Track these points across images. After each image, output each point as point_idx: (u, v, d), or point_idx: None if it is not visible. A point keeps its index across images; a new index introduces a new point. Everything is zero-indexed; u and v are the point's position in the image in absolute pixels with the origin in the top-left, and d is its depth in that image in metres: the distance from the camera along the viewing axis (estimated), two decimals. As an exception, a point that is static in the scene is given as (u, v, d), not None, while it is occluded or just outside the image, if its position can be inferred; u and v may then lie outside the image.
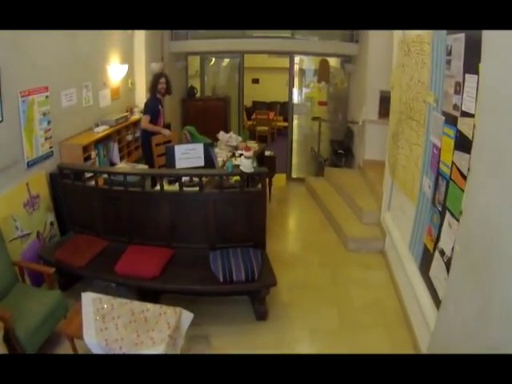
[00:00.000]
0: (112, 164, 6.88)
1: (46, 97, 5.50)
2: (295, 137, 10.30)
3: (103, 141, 6.67)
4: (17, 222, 4.78)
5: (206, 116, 10.04)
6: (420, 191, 4.35)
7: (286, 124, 11.85)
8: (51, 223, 5.52)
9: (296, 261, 6.01)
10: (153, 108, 7.17)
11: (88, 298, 3.97)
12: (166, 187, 5.12)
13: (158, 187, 5.03)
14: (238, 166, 5.19)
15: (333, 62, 9.65)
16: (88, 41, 6.52)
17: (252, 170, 4.87)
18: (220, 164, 6.25)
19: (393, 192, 5.69)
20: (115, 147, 6.92)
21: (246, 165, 4.84)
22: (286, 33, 9.00)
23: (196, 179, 5.07)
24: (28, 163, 5.15)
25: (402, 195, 5.08)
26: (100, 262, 4.85)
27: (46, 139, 5.56)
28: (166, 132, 7.29)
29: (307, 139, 10.58)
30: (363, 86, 7.99)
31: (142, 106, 8.06)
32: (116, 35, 7.41)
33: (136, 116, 7.78)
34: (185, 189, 4.99)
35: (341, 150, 8.91)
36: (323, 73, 9.53)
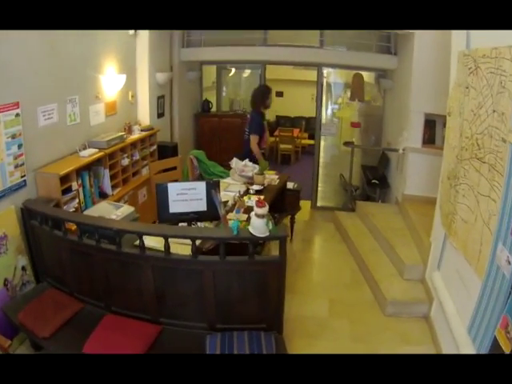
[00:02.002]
0: (103, 195, 6.03)
1: (17, 115, 4.69)
2: (322, 159, 9.25)
3: (92, 166, 5.84)
4: None
5: (221, 134, 9.27)
6: (492, 264, 3.25)
7: (311, 142, 11.35)
8: (23, 268, 4.72)
9: (320, 331, 4.96)
10: (260, 125, 6.85)
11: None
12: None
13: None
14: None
15: (365, 76, 8.66)
16: (74, 46, 5.69)
17: (266, 233, 3.76)
18: (230, 204, 5.29)
19: (446, 248, 4.64)
20: (106, 174, 6.01)
21: (258, 226, 3.74)
22: (314, 42, 8.03)
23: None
24: None
25: (460, 258, 3.99)
26: (68, 334, 3.99)
27: (16, 167, 4.74)
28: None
29: (335, 162, 9.57)
30: (404, 106, 6.99)
31: (145, 122, 7.40)
32: (112, 40, 6.61)
33: (136, 135, 6.88)
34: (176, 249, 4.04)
35: (375, 180, 7.87)
36: (357, 90, 8.54)
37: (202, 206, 4.68)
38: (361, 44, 7.81)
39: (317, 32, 7.91)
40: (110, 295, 4.25)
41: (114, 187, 6.22)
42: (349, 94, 8.97)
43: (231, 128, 9.28)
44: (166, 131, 8.08)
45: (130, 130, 6.90)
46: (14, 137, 4.65)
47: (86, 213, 5.00)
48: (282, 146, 12.79)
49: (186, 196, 4.66)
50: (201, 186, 4.71)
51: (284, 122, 14.14)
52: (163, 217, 4.73)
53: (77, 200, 5.38)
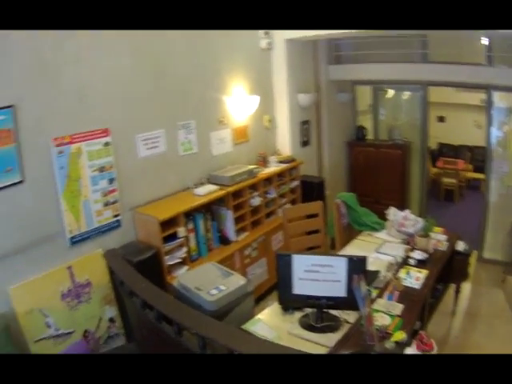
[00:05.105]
0: (225, 241, 5.05)
1: (106, 144, 4.04)
2: (492, 198, 7.44)
3: (212, 206, 4.96)
4: (48, 318, 3.71)
5: (378, 168, 7.92)
6: None
7: (477, 176, 10.41)
8: (111, 319, 4.19)
9: None
10: None
11: None
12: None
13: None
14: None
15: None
16: (186, 65, 4.89)
17: None
18: (381, 277, 3.88)
19: None
20: (229, 217, 5.00)
21: None
22: (480, 59, 6.38)
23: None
24: (72, 239, 3.89)
25: None
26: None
27: (106, 205, 4.12)
28: None
29: (503, 204, 7.59)
30: None
31: (286, 151, 6.37)
32: (240, 56, 5.70)
33: (272, 168, 5.78)
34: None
35: None
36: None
37: (339, 290, 3.31)
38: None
39: (482, 47, 6.30)
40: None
41: (239, 231, 5.20)
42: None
43: (390, 161, 7.84)
44: (311, 163, 6.94)
45: (264, 162, 5.87)
46: (102, 170, 4.02)
47: (182, 279, 3.94)
48: (445, 180, 11.11)
49: (317, 275, 3.33)
50: (339, 263, 3.31)
51: (447, 151, 12.50)
52: (285, 298, 3.50)
53: (185, 249, 4.48)
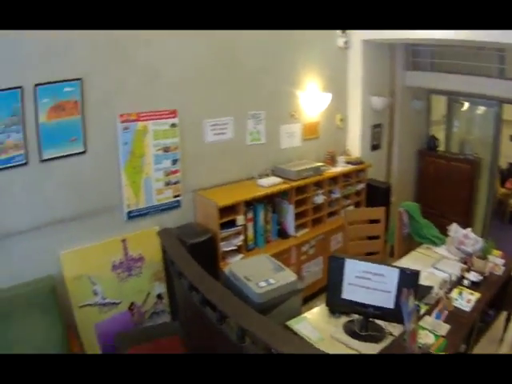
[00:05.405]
0: (283, 235, 4.87)
1: (172, 125, 4.00)
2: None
3: (275, 198, 4.82)
4: (96, 286, 3.77)
5: (447, 181, 7.48)
6: None
7: None
8: (159, 296, 4.21)
9: None
10: None
11: None
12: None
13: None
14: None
15: None
16: (262, 50, 4.78)
17: None
18: (434, 293, 3.58)
19: None
20: (290, 211, 4.83)
21: None
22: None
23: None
24: (129, 214, 3.92)
25: None
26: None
27: (167, 184, 4.12)
28: None
29: None
30: None
31: (355, 153, 6.11)
32: (316, 52, 5.46)
33: (339, 168, 5.54)
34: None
35: None
36: None
37: (387, 301, 3.11)
38: None
39: None
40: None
41: (299, 227, 4.99)
42: None
43: (459, 176, 7.38)
44: (379, 167, 6.62)
45: (332, 161, 5.64)
46: (166, 150, 3.99)
47: (233, 267, 3.74)
48: (512, 202, 10.42)
49: (368, 282, 3.15)
50: (392, 273, 3.11)
51: (517, 171, 11.70)
52: (332, 301, 3.34)
53: (241, 237, 4.36)
